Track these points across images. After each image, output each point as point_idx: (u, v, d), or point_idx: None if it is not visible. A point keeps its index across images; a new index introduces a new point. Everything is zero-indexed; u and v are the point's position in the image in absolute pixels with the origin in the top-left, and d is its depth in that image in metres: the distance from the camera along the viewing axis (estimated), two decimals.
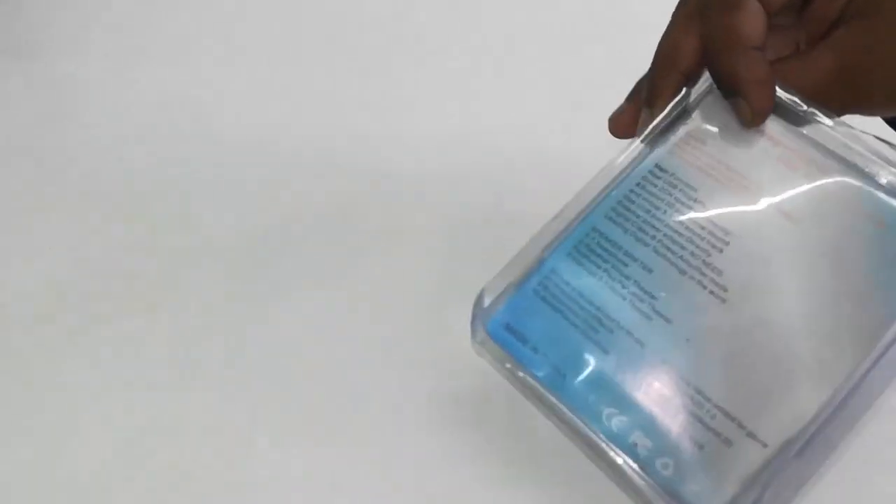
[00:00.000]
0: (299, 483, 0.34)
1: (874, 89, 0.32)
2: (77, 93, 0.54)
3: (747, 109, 0.31)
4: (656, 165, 0.32)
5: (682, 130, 0.32)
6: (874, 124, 0.36)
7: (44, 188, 0.47)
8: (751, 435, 0.26)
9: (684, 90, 0.32)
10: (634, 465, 0.28)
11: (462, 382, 0.37)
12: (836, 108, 0.31)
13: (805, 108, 0.30)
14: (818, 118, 0.30)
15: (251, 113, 0.52)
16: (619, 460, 0.28)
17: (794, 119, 0.31)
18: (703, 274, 0.29)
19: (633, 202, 0.32)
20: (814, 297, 0.28)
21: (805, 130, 0.30)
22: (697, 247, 0.30)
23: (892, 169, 0.29)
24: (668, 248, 0.30)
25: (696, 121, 0.32)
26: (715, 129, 0.32)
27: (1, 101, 0.53)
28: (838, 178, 0.29)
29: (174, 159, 0.49)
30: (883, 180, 0.29)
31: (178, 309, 0.41)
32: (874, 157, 0.29)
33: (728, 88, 0.31)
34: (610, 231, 0.31)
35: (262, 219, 0.46)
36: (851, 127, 0.30)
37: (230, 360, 0.39)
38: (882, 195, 0.29)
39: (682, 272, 0.30)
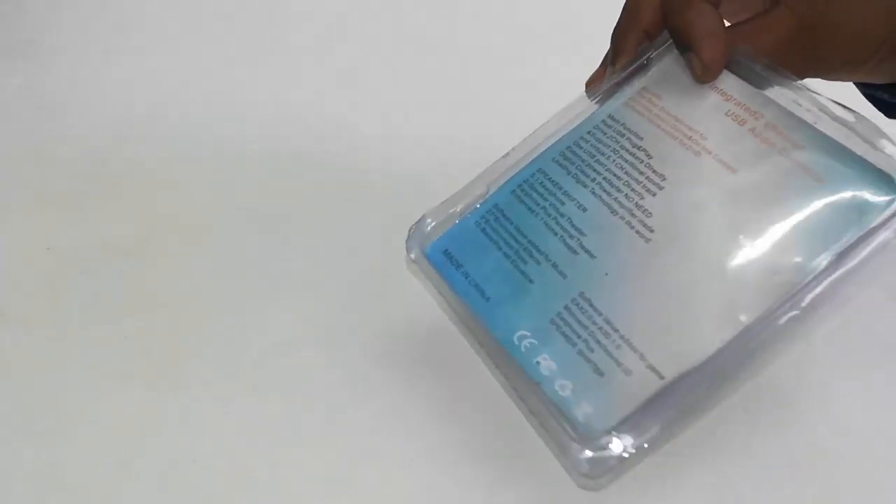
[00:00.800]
0: (300, 481, 0.34)
1: (831, 51, 0.32)
2: (77, 92, 0.54)
3: (698, 63, 0.31)
4: (609, 116, 0.33)
5: (637, 84, 0.33)
6: (844, 90, 0.36)
7: (43, 187, 0.48)
8: (650, 367, 0.27)
9: (645, 45, 0.33)
10: (534, 384, 0.29)
11: (460, 380, 0.37)
12: (795, 70, 0.32)
13: (762, 67, 0.31)
14: (774, 77, 0.31)
15: (250, 111, 0.53)
16: (520, 378, 0.30)
17: (751, 78, 0.31)
18: (633, 215, 0.30)
19: (580, 147, 0.33)
20: (736, 242, 0.28)
21: (760, 88, 0.31)
22: (632, 189, 0.31)
23: (839, 126, 0.29)
24: (605, 190, 0.31)
25: (653, 76, 0.33)
26: (670, 84, 0.33)
27: (1, 101, 0.53)
28: (784, 133, 0.30)
29: (173, 159, 0.49)
30: (829, 137, 0.29)
31: (177, 308, 0.41)
32: (822, 115, 0.29)
33: (681, 43, 0.32)
34: (554, 173, 0.33)
35: (260, 217, 0.46)
36: (806, 87, 0.30)
37: (230, 358, 0.39)
38: (824, 152, 0.29)
39: (614, 212, 0.31)
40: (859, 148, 0.28)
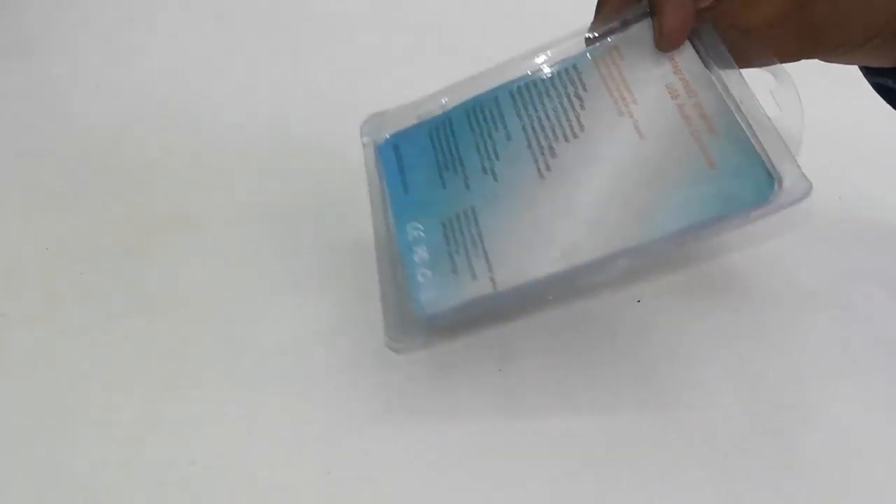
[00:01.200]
0: (300, 481, 0.34)
1: (828, 32, 0.32)
2: (77, 92, 0.54)
3: (658, 29, 0.33)
4: (573, 65, 0.36)
5: (612, 41, 0.36)
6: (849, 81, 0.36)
7: (43, 187, 0.47)
8: (491, 278, 0.32)
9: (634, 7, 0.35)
10: (401, 265, 0.34)
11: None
12: (792, 50, 0.32)
13: (725, 48, 0.32)
14: (728, 62, 0.32)
15: (251, 110, 0.52)
16: (393, 256, 0.35)
17: (709, 57, 0.33)
18: (542, 153, 0.34)
19: (535, 86, 0.36)
20: (605, 197, 0.32)
21: (710, 69, 0.33)
22: (553, 132, 0.34)
23: (756, 122, 0.31)
24: (533, 127, 0.35)
25: (627, 36, 0.35)
26: (637, 47, 0.35)
27: (1, 101, 0.53)
28: (706, 116, 0.32)
29: (173, 158, 0.49)
30: (742, 129, 0.31)
31: (177, 308, 0.41)
32: (746, 107, 0.31)
33: (652, 9, 0.33)
34: (505, 102, 0.36)
35: (261, 216, 0.46)
36: (746, 82, 0.32)
37: (230, 358, 0.39)
38: (730, 142, 0.31)
39: (529, 146, 0.34)
40: (767, 146, 0.30)
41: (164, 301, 0.41)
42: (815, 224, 0.43)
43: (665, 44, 0.33)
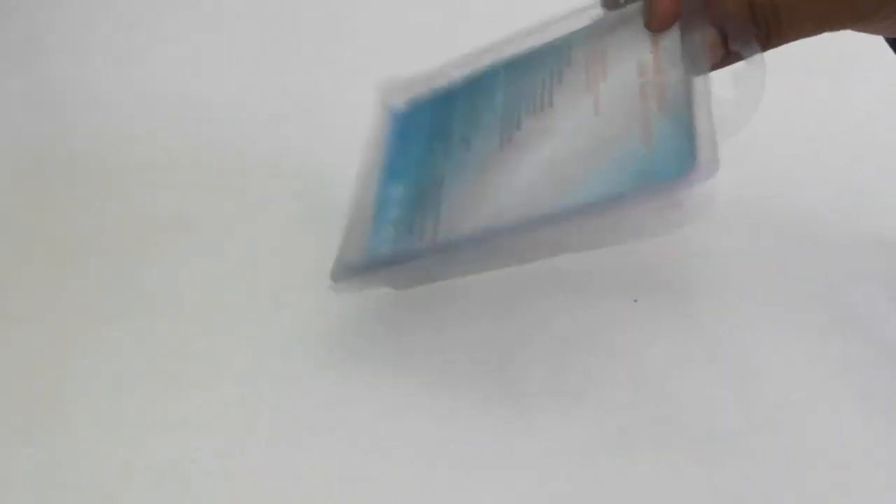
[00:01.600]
0: (299, 481, 0.34)
1: None
2: (77, 92, 0.54)
3: (646, 8, 0.33)
4: (568, 40, 0.35)
5: (611, 15, 0.35)
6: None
7: (43, 187, 0.48)
8: (433, 237, 0.34)
9: None
10: (370, 221, 0.36)
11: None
12: (830, 14, 0.31)
13: (702, 37, 0.32)
14: (703, 50, 0.31)
15: (251, 110, 0.52)
16: (366, 212, 0.37)
17: (688, 47, 0.32)
18: (510, 124, 0.34)
19: (530, 60, 0.36)
20: (545, 167, 0.32)
21: (683, 58, 0.32)
22: (525, 105, 0.34)
23: (702, 107, 0.30)
24: (512, 98, 0.35)
25: (623, 13, 0.34)
26: (628, 25, 0.34)
27: (1, 101, 0.53)
28: (663, 97, 0.31)
29: (173, 158, 0.49)
30: (690, 112, 0.30)
31: (177, 308, 0.41)
32: (693, 82, 0.31)
33: None
34: (499, 76, 0.37)
35: (262, 215, 0.46)
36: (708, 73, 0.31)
37: (230, 358, 0.39)
38: (674, 123, 0.30)
39: (503, 119, 0.35)
40: (700, 127, 0.29)
41: (164, 301, 0.41)
42: (814, 224, 0.43)
43: (655, 23, 0.32)
